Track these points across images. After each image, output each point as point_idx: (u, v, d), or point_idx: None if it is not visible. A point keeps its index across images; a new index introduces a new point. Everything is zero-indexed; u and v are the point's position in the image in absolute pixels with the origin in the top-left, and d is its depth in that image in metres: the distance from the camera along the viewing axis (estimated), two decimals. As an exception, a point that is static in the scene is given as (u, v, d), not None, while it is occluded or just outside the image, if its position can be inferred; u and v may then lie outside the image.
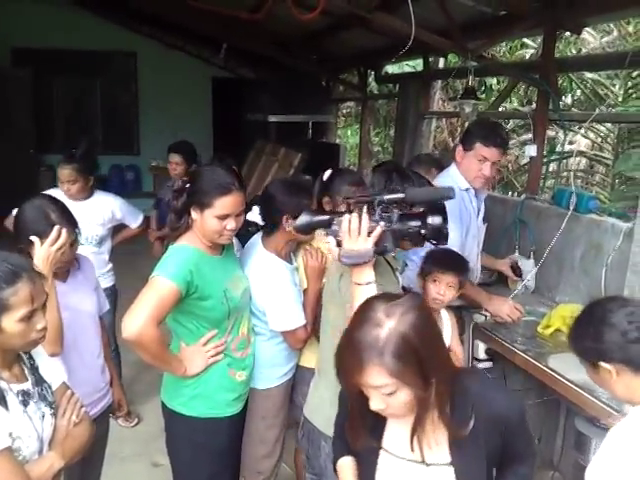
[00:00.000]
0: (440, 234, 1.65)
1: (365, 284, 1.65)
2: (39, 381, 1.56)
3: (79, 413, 1.62)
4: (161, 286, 1.89)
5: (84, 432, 1.62)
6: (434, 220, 1.63)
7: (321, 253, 2.43)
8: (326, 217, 1.69)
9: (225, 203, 1.97)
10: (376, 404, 1.28)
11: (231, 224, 2.00)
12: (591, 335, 1.49)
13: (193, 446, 2.11)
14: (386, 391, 1.25)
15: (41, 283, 1.51)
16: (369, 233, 1.62)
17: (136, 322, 1.83)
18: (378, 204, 1.62)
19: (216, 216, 1.97)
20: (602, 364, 1.47)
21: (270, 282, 2.26)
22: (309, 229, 1.79)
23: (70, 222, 2.03)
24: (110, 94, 9.34)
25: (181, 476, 2.21)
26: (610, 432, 1.43)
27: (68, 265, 2.11)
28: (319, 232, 2.04)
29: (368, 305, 1.32)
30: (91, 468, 2.22)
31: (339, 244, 1.65)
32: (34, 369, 1.57)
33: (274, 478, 2.61)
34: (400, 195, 1.63)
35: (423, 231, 1.63)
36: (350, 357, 1.26)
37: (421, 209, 1.68)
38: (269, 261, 2.30)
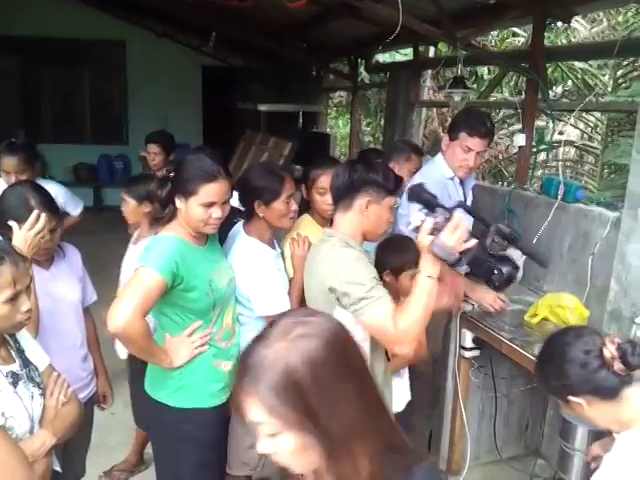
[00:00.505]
0: (503, 284, 1.76)
1: (434, 279, 1.70)
2: (26, 363, 1.59)
3: (67, 393, 1.65)
4: (147, 277, 1.86)
5: (73, 411, 1.66)
6: (512, 273, 1.74)
7: (308, 242, 2.43)
8: (436, 203, 1.76)
9: (210, 190, 1.95)
10: (262, 445, 0.99)
11: (217, 212, 1.98)
12: (554, 374, 1.51)
13: (178, 437, 2.10)
14: (266, 431, 0.97)
15: (24, 266, 1.54)
16: (465, 241, 1.67)
17: (122, 315, 1.81)
18: (496, 229, 1.75)
19: (201, 204, 1.95)
20: (572, 399, 1.48)
21: (253, 267, 2.26)
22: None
23: (51, 208, 2.01)
24: (99, 83, 9.27)
25: (165, 467, 2.20)
26: (603, 463, 1.41)
27: (50, 252, 2.10)
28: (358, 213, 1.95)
29: (281, 316, 1.04)
30: (74, 459, 2.21)
31: (432, 232, 1.67)
32: (20, 352, 1.60)
33: (261, 468, 2.62)
34: (514, 235, 1.78)
35: (496, 272, 1.72)
36: (235, 378, 1.01)
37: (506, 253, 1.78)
38: (251, 246, 2.30)
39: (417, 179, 2.73)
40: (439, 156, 2.90)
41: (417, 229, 1.72)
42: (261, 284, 2.25)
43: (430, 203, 1.76)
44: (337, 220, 2.01)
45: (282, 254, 2.49)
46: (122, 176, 8.98)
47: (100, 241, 3.64)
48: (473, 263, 1.74)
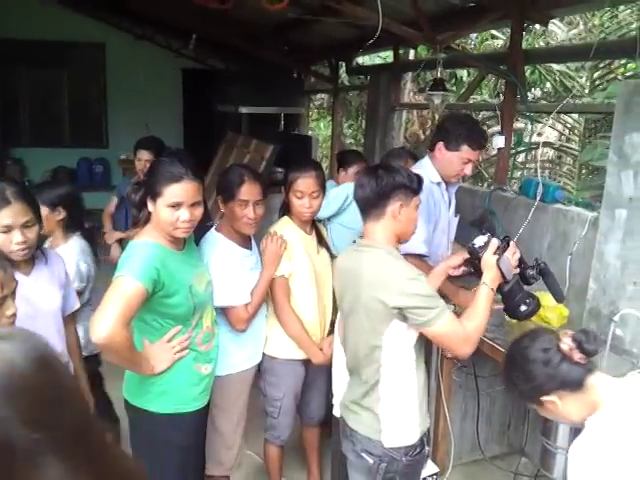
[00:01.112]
0: (526, 317, 2.12)
1: (494, 290, 1.98)
2: None
3: None
4: (127, 286, 1.84)
5: None
6: (536, 309, 2.10)
7: (282, 240, 2.45)
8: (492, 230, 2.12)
9: (175, 191, 1.93)
10: None
11: (184, 215, 1.95)
12: (521, 379, 1.56)
13: (158, 442, 2.09)
14: None
15: (11, 271, 1.53)
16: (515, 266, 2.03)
17: (105, 325, 1.78)
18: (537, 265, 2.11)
19: (167, 205, 1.93)
20: (544, 399, 1.52)
21: (214, 259, 2.29)
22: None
23: (26, 201, 1.95)
24: (78, 86, 9.15)
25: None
26: (571, 449, 1.45)
27: (27, 251, 1.99)
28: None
29: None
30: None
31: (498, 252, 2.00)
32: None
33: (237, 467, 2.63)
34: (549, 272, 2.13)
35: (524, 306, 2.06)
36: None
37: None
38: (215, 240, 2.35)
39: None
40: (426, 160, 2.84)
41: (481, 248, 2.02)
42: (219, 275, 2.27)
43: (491, 228, 2.12)
44: (370, 229, 2.00)
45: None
46: (102, 180, 8.90)
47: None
48: (509, 290, 2.04)
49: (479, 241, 2.05)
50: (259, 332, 2.54)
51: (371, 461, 2.00)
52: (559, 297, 2.25)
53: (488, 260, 1.99)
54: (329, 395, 2.78)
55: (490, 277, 1.97)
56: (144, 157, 3.83)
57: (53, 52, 8.70)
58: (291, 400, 2.67)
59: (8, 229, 1.91)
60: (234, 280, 2.33)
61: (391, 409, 1.97)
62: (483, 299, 1.95)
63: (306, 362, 2.63)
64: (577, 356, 1.50)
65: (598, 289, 2.68)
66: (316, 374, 2.73)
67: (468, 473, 3.11)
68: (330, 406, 2.73)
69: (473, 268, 2.13)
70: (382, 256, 1.94)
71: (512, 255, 1.99)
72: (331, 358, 2.57)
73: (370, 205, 1.98)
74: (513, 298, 2.06)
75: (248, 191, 2.33)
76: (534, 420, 3.15)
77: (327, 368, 2.68)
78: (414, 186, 1.99)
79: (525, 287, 2.09)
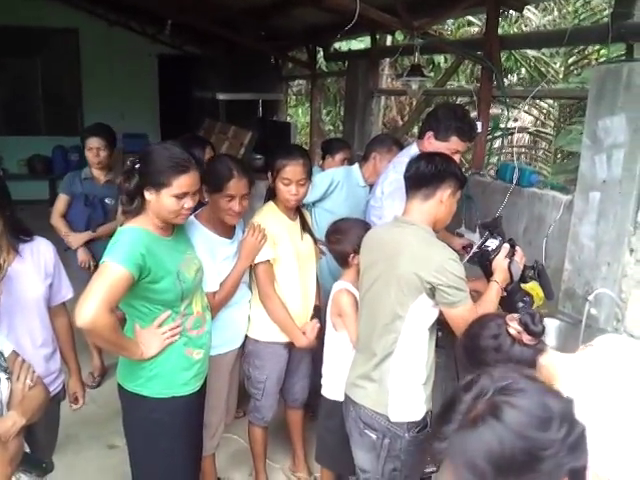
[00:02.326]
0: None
1: (502, 288, 2.16)
2: None
3: (33, 377, 1.71)
4: (112, 271, 1.85)
5: (40, 394, 1.74)
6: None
7: (263, 233, 2.46)
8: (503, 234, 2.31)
9: (183, 182, 1.95)
10: None
11: (188, 203, 1.99)
12: (477, 368, 1.59)
13: (150, 426, 2.11)
14: None
15: None
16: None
17: (88, 309, 1.79)
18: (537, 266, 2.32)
19: (174, 195, 1.95)
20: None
21: None
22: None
23: None
24: (51, 73, 8.99)
25: (138, 456, 2.21)
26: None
27: None
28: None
29: None
30: (41, 455, 2.17)
31: (509, 256, 2.19)
32: None
33: (215, 449, 2.70)
34: (545, 272, 2.33)
35: (521, 304, 2.23)
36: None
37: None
38: (191, 227, 2.34)
39: (391, 172, 2.76)
40: (414, 148, 2.81)
41: (493, 251, 2.20)
42: None
43: (502, 233, 2.28)
44: (412, 208, 2.09)
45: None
46: (77, 168, 8.71)
47: (55, 234, 3.51)
48: (511, 289, 2.22)
49: (491, 244, 2.24)
50: (237, 318, 2.57)
51: (374, 437, 2.07)
52: (550, 295, 2.40)
53: (500, 263, 2.18)
54: (313, 378, 2.84)
55: (501, 278, 2.16)
56: (94, 145, 3.60)
57: (25, 38, 8.53)
58: (274, 382, 2.71)
59: None
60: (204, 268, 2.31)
61: (400, 382, 2.05)
62: (493, 295, 2.12)
63: (289, 345, 2.66)
64: (526, 338, 1.57)
65: (573, 270, 2.75)
66: (299, 357, 2.77)
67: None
68: (315, 389, 2.78)
69: (481, 267, 2.28)
70: (423, 234, 2.04)
71: (520, 259, 2.21)
72: (313, 342, 2.62)
73: (423, 184, 2.07)
74: (513, 296, 2.24)
75: (236, 186, 2.33)
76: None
77: (310, 351, 2.73)
78: (463, 180, 2.15)
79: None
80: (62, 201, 3.71)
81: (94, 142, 3.59)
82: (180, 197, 1.96)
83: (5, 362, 1.65)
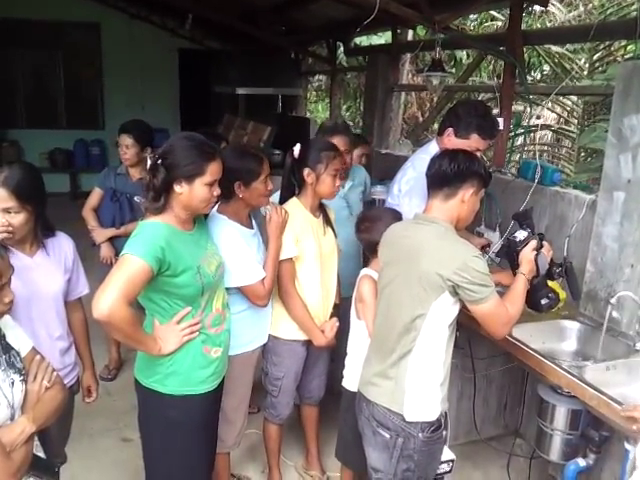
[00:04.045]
0: (548, 309, 2.34)
1: (527, 279, 2.15)
2: (6, 349, 1.57)
3: (51, 378, 1.64)
4: (131, 264, 1.84)
5: (56, 396, 1.65)
6: (556, 302, 2.35)
7: (284, 210, 2.47)
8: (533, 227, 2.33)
9: (214, 168, 1.99)
10: None
11: (217, 190, 2.03)
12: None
13: (166, 423, 2.10)
14: None
15: (7, 258, 1.53)
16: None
17: (106, 302, 1.78)
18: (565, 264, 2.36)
19: (207, 183, 1.98)
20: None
21: (224, 241, 2.29)
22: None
23: (13, 189, 1.97)
24: (73, 67, 9.09)
25: (153, 452, 2.20)
26: None
27: (14, 236, 2.01)
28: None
29: None
30: (54, 447, 2.17)
31: (536, 249, 2.20)
32: (0, 337, 1.58)
33: (237, 446, 2.67)
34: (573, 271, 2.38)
35: (546, 300, 2.29)
36: None
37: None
38: (221, 222, 2.34)
39: (409, 170, 2.73)
40: (433, 145, 2.75)
41: (520, 242, 2.21)
42: (230, 257, 2.28)
43: (531, 225, 2.29)
44: (435, 206, 2.06)
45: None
46: (99, 161, 8.86)
47: (77, 228, 3.52)
48: (537, 283, 2.22)
49: (520, 235, 2.24)
50: (262, 315, 2.55)
51: (388, 436, 2.05)
52: (576, 295, 2.39)
53: (527, 255, 2.18)
54: (331, 375, 2.82)
55: (528, 270, 2.16)
56: (124, 142, 3.57)
57: (48, 32, 8.63)
58: (291, 380, 2.69)
59: None
60: (246, 259, 2.34)
61: (417, 381, 2.02)
62: (521, 287, 2.11)
63: (308, 343, 2.64)
64: None
65: (595, 272, 2.69)
66: (317, 355, 2.75)
67: (464, 454, 3.14)
68: (332, 384, 2.76)
69: (507, 258, 2.27)
70: (444, 232, 2.01)
71: (547, 253, 2.22)
72: (332, 341, 2.60)
73: (444, 183, 2.04)
74: (538, 291, 2.24)
75: (267, 165, 2.41)
76: (530, 402, 3.18)
77: (328, 350, 2.71)
78: (487, 179, 2.11)
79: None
80: (95, 195, 3.72)
81: (122, 139, 3.59)
82: (211, 184, 1.99)
83: (21, 362, 1.60)
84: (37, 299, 2.08)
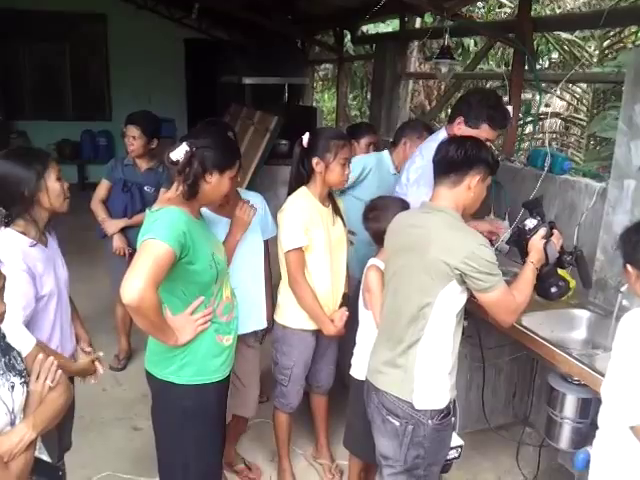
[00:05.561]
0: (558, 297, 2.32)
1: (537, 268, 2.13)
2: (5, 350, 1.50)
3: (54, 377, 1.55)
4: (156, 248, 1.83)
5: (60, 397, 1.57)
6: (566, 289, 2.34)
7: (253, 210, 2.47)
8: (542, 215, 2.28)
9: (238, 162, 2.11)
10: None
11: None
12: (631, 242, 1.75)
13: (181, 413, 2.11)
14: None
15: (1, 266, 1.48)
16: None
17: (135, 286, 1.77)
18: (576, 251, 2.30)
19: (231, 177, 2.06)
20: (628, 267, 1.77)
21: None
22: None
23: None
24: (80, 58, 9.08)
25: (168, 444, 2.20)
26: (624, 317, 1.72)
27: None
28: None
29: None
30: (60, 431, 2.15)
31: (546, 237, 2.17)
32: (0, 337, 1.51)
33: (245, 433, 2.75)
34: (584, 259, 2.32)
35: (555, 288, 2.28)
36: None
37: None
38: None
39: (417, 158, 2.71)
40: (443, 133, 2.72)
41: (530, 230, 2.18)
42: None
43: (541, 213, 2.25)
44: (441, 194, 2.05)
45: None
46: (106, 152, 8.86)
47: (85, 219, 3.54)
48: (546, 272, 2.21)
49: (529, 223, 2.21)
50: (251, 300, 2.57)
51: (397, 423, 2.05)
52: (587, 283, 2.36)
53: (536, 243, 2.15)
54: (340, 364, 2.83)
55: (537, 258, 2.14)
56: (130, 133, 3.56)
57: (54, 24, 8.61)
58: (301, 369, 2.70)
59: None
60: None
61: (426, 369, 2.02)
62: (529, 276, 2.10)
63: (317, 332, 2.65)
64: None
65: (605, 260, 2.68)
66: (327, 344, 2.76)
67: (473, 442, 3.14)
68: (342, 375, 2.77)
69: (517, 246, 2.25)
70: (451, 220, 2.00)
71: (557, 241, 2.19)
72: (341, 330, 2.60)
73: (451, 170, 2.03)
74: (548, 279, 2.23)
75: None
76: (539, 390, 3.17)
77: (337, 339, 2.71)
78: (494, 166, 2.09)
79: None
80: (103, 186, 3.70)
81: (129, 130, 3.58)
82: (234, 178, 2.09)
83: (22, 363, 1.52)
84: (64, 286, 2.15)
